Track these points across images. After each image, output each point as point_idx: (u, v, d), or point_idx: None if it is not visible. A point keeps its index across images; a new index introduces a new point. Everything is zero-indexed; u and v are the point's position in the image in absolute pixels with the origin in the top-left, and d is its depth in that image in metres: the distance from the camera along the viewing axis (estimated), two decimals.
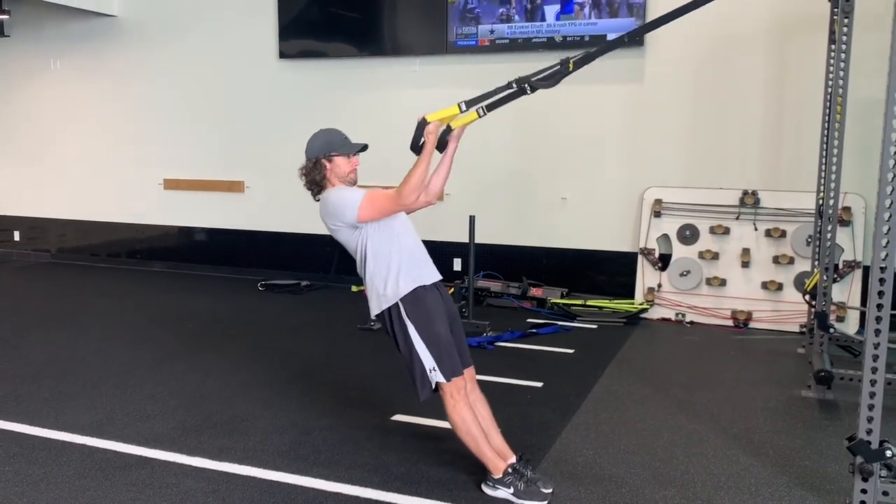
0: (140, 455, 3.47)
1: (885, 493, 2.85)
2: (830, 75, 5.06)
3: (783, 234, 5.95)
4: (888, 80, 2.76)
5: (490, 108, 3.12)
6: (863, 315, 5.63)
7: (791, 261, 5.93)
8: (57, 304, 6.81)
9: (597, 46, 3.90)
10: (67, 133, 8.67)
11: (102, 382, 4.50)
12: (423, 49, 6.99)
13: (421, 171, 2.97)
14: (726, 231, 6.10)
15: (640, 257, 6.34)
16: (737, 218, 6.08)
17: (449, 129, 3.14)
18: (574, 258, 6.64)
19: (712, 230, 6.13)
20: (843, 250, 5.76)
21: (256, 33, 7.58)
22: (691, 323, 6.10)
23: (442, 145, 3.13)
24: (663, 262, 6.27)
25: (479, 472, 3.22)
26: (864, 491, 2.87)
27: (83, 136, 8.59)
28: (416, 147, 3.03)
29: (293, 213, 7.77)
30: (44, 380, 4.54)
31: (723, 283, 6.09)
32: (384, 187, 3.09)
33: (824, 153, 5.10)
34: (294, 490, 3.15)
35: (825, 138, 5.11)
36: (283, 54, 7.50)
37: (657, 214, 6.28)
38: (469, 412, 3.07)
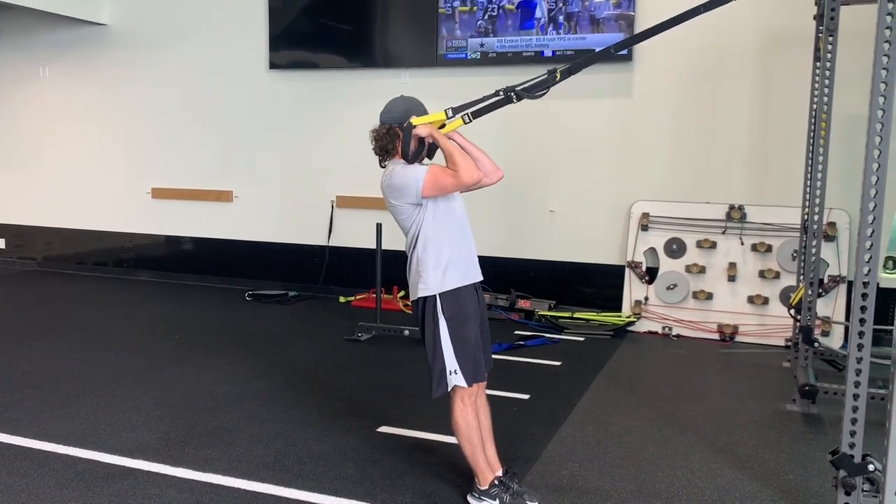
0: (123, 465, 3.45)
1: None
2: (815, 91, 5.12)
3: (769, 248, 6.00)
4: (871, 97, 2.79)
5: (476, 115, 3.12)
6: (847, 330, 5.68)
7: (777, 275, 5.97)
8: (42, 313, 6.76)
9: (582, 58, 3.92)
10: (55, 141, 8.64)
11: (87, 392, 4.47)
12: (412, 61, 7.01)
13: (457, 153, 2.93)
14: (713, 245, 6.13)
15: (627, 270, 6.37)
16: (723, 232, 6.12)
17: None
18: (562, 271, 6.65)
19: (699, 244, 6.16)
20: (828, 265, 5.80)
21: (247, 44, 7.59)
22: (678, 336, 6.13)
23: (431, 152, 3.13)
24: (650, 275, 6.29)
25: (465, 484, 3.22)
26: None
27: (71, 144, 8.56)
28: (408, 154, 3.01)
29: (281, 223, 7.78)
30: (27, 389, 4.50)
31: (709, 296, 6.12)
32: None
33: (809, 169, 5.16)
34: (278, 501, 3.13)
35: (810, 154, 5.16)
36: (273, 65, 7.50)
37: (644, 228, 6.31)
38: (475, 419, 3.05)
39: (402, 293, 7.02)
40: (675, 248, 6.24)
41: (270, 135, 7.63)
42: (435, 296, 2.99)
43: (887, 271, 6.01)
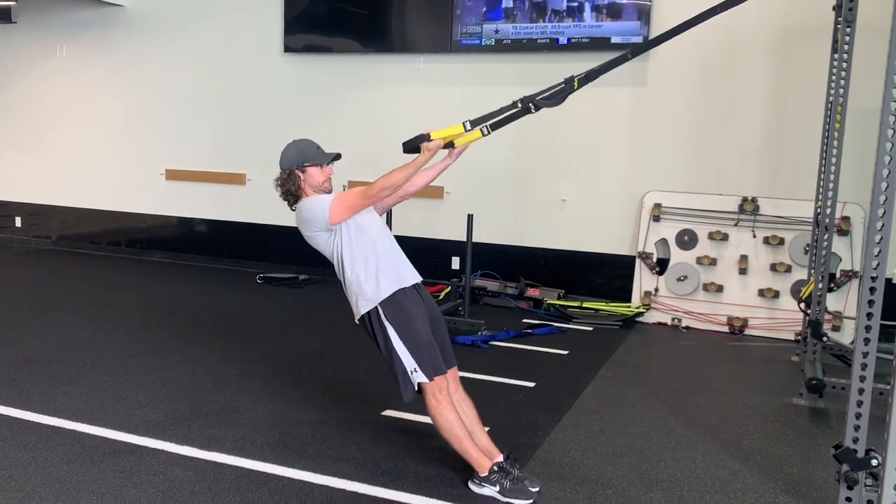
0: (129, 442, 3.48)
1: (870, 502, 2.85)
2: (832, 85, 5.06)
3: (781, 241, 5.95)
4: (884, 91, 2.76)
5: (494, 126, 3.15)
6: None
7: (788, 269, 5.93)
8: (55, 291, 6.82)
9: (601, 62, 3.90)
10: (71, 120, 8.69)
11: (95, 369, 4.51)
12: (427, 47, 6.99)
13: (402, 176, 3.03)
14: (725, 237, 6.09)
15: (637, 261, 6.34)
16: (735, 224, 6.08)
17: (451, 145, 3.16)
18: (572, 260, 6.64)
19: (711, 236, 6.13)
20: (840, 260, 5.76)
21: (262, 26, 7.59)
22: (687, 328, 6.10)
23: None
24: (661, 266, 6.27)
25: (467, 469, 3.22)
26: (848, 500, 2.87)
27: (87, 124, 8.61)
28: (408, 146, 3.06)
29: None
30: (36, 365, 4.55)
31: (720, 289, 6.09)
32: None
33: (823, 162, 5.11)
34: (281, 482, 3.16)
35: (825, 147, 5.11)
36: (287, 48, 7.51)
37: (656, 219, 6.28)
38: (452, 412, 3.08)
39: None
40: (687, 240, 6.21)
41: (284, 118, 7.64)
42: (376, 307, 3.06)
43: None
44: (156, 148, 8.30)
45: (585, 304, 6.20)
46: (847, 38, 4.24)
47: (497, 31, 6.68)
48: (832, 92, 5.04)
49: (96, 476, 3.13)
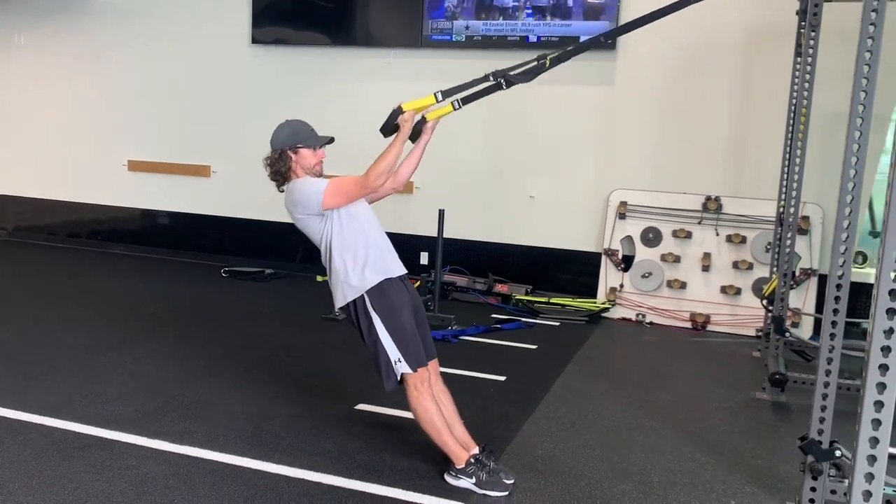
0: (99, 436, 3.43)
1: (833, 492, 2.95)
2: (795, 87, 5.20)
3: (743, 240, 6.09)
4: (852, 94, 2.85)
5: (465, 101, 3.16)
6: (817, 321, 5.80)
7: (750, 266, 6.07)
8: (13, 284, 6.67)
9: (571, 46, 3.95)
10: (30, 109, 8.49)
11: (62, 364, 4.43)
12: (397, 42, 6.99)
13: (392, 156, 3.01)
14: (688, 235, 6.22)
15: (603, 258, 6.44)
16: (699, 223, 6.21)
17: (423, 120, 3.18)
18: (539, 256, 6.71)
19: (675, 234, 6.24)
20: (800, 258, 5.91)
21: (229, 18, 7.51)
22: (651, 324, 6.22)
23: (415, 135, 3.16)
24: (626, 263, 6.37)
25: (442, 461, 3.25)
26: (813, 489, 2.96)
27: (46, 113, 8.41)
28: (387, 129, 3.06)
29: (259, 200, 7.64)
30: (1, 359, 4.45)
31: (683, 285, 6.21)
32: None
33: (786, 162, 5.24)
34: (256, 475, 3.15)
35: (787, 148, 5.25)
36: (255, 40, 7.43)
37: (622, 216, 6.38)
38: (433, 404, 3.11)
39: None
40: (652, 237, 6.32)
41: (251, 111, 7.56)
42: (362, 295, 3.06)
43: (857, 266, 6.15)
44: (117, 139, 8.15)
45: (553, 300, 6.27)
46: (812, 43, 4.36)
47: (468, 28, 6.71)
48: (795, 95, 5.19)
49: (67, 470, 3.09)
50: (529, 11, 6.50)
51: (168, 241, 8.09)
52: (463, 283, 6.68)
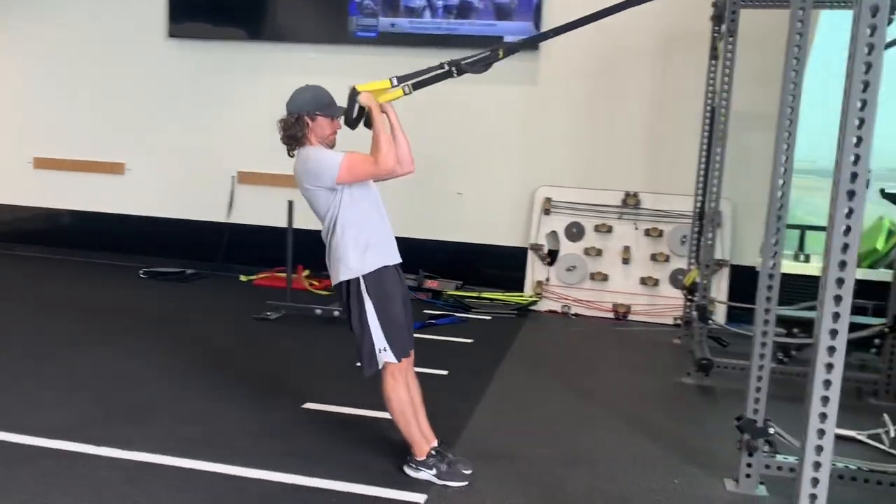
0: (43, 446, 3.30)
1: (767, 466, 3.20)
2: (711, 89, 5.52)
3: (661, 233, 6.41)
4: (781, 96, 3.08)
5: (416, 86, 3.19)
6: (730, 309, 6.18)
7: (667, 259, 6.39)
8: None
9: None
10: None
11: None
12: (321, 37, 6.95)
13: (384, 136, 3.02)
14: (609, 230, 6.48)
15: (530, 252, 6.63)
16: (619, 218, 6.48)
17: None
18: (468, 252, 6.83)
19: (597, 228, 6.50)
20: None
21: (145, 10, 7.26)
22: (576, 315, 6.45)
23: (368, 122, 3.17)
24: (551, 257, 6.58)
25: (399, 455, 3.32)
26: (749, 465, 3.20)
27: None
28: (350, 119, 3.06)
29: (177, 198, 7.52)
30: None
31: (605, 278, 6.47)
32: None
33: (703, 161, 5.55)
34: (216, 477, 3.12)
35: (702, 147, 5.55)
36: (172, 33, 7.22)
37: (547, 212, 6.58)
38: (406, 393, 3.16)
39: (306, 272, 6.98)
40: (575, 232, 6.55)
41: (167, 106, 7.36)
42: (358, 278, 3.08)
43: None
44: (23, 134, 7.74)
45: (483, 295, 6.41)
46: (730, 48, 4.64)
47: (393, 25, 6.75)
48: (710, 96, 5.51)
49: (16, 483, 2.97)
50: (440, 10, 6.59)
51: (80, 242, 7.74)
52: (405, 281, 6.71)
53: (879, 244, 6.28)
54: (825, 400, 2.14)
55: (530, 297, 6.46)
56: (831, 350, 2.11)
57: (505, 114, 6.69)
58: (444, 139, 6.81)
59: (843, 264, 2.07)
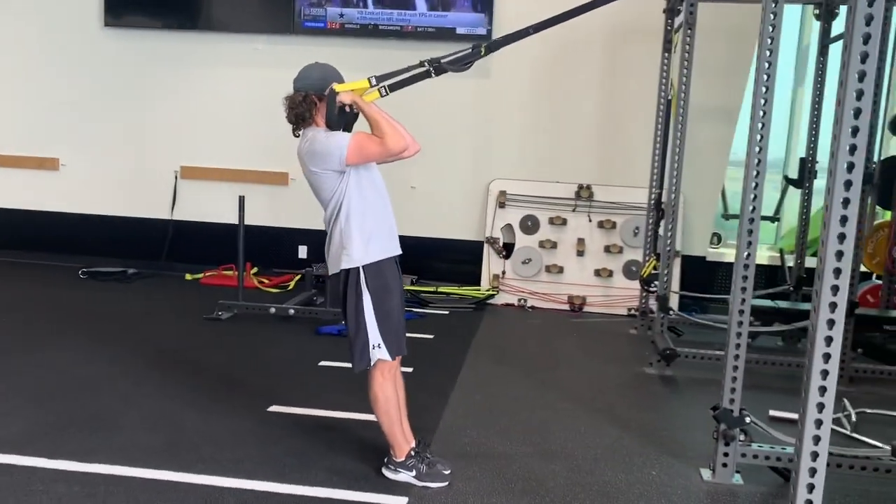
0: None
1: (743, 455, 3.22)
2: (663, 82, 5.57)
3: (614, 225, 6.45)
4: (754, 88, 3.10)
5: (392, 88, 3.11)
6: (681, 298, 6.27)
7: (620, 250, 6.44)
8: None
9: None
10: None
11: None
12: (267, 28, 6.74)
13: (383, 120, 2.92)
14: (564, 222, 6.49)
15: (485, 246, 6.59)
16: (573, 210, 6.50)
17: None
18: (424, 246, 6.73)
19: (551, 221, 6.50)
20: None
21: None
22: (532, 308, 6.45)
23: (350, 124, 3.07)
24: (507, 250, 6.56)
25: (375, 458, 3.23)
26: (725, 454, 3.22)
27: None
28: (332, 121, 2.95)
29: (116, 194, 7.19)
30: None
31: (560, 270, 6.49)
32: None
33: (657, 153, 5.61)
34: (185, 488, 2.96)
35: (657, 139, 5.61)
36: (108, 22, 6.89)
37: (502, 205, 6.55)
38: (393, 392, 3.07)
39: (255, 269, 6.80)
40: (530, 225, 6.54)
41: (104, 98, 7.02)
42: (358, 268, 2.96)
43: (713, 246, 6.70)
44: None
45: (440, 289, 6.34)
46: (688, 41, 4.68)
47: (342, 16, 6.59)
48: (663, 90, 5.56)
49: None
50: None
51: (12, 241, 7.31)
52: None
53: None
54: (824, 373, 2.16)
55: (487, 290, 6.43)
56: (830, 323, 2.12)
57: (459, 106, 6.62)
58: None
59: (841, 238, 2.08)
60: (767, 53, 3.05)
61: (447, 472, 3.13)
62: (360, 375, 3.07)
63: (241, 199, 5.57)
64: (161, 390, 4.03)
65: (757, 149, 3.11)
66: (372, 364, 3.01)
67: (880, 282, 5.48)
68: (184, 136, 7.02)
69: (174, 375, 4.28)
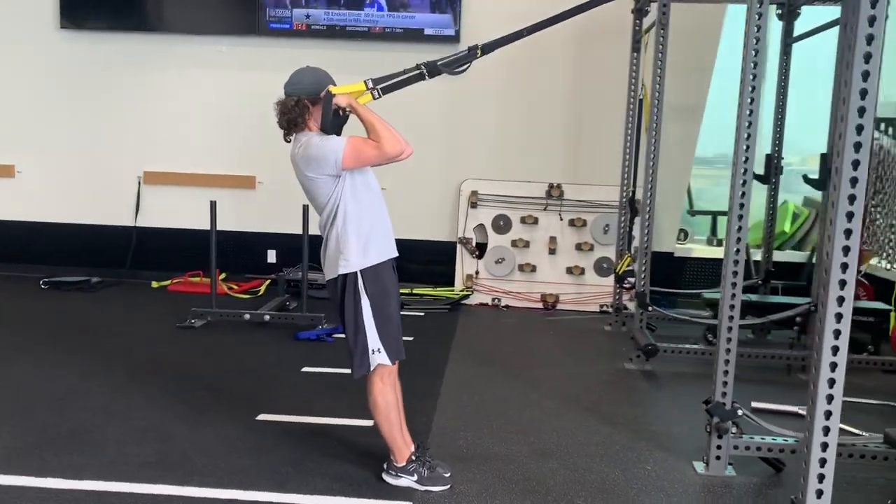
0: None
1: (735, 447, 3.29)
2: (634, 80, 5.64)
3: (584, 223, 6.52)
4: (741, 87, 3.17)
5: (385, 91, 3.09)
6: (651, 294, 6.34)
7: (591, 248, 6.51)
8: None
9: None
10: None
11: None
12: (231, 29, 6.62)
13: (378, 123, 2.89)
14: (535, 221, 6.54)
15: (458, 246, 6.59)
16: (544, 209, 6.55)
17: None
18: (398, 248, 6.70)
19: (523, 220, 6.54)
20: (634, 237, 6.43)
21: None
22: (506, 307, 6.48)
23: (339, 129, 3.05)
24: (480, 250, 6.57)
25: (372, 464, 3.21)
26: (719, 447, 3.29)
27: None
28: (329, 125, 2.92)
29: (77, 202, 6.99)
30: None
31: (533, 269, 6.53)
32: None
33: (628, 151, 5.68)
34: (183, 501, 2.89)
35: (628, 138, 5.69)
36: (64, 24, 6.68)
37: (474, 205, 6.56)
38: (393, 397, 3.05)
39: (223, 275, 6.67)
40: (502, 224, 6.57)
41: (62, 102, 6.81)
42: (356, 273, 2.93)
43: (679, 242, 6.82)
44: None
45: (415, 291, 6.32)
46: (661, 41, 4.75)
47: (308, 17, 6.52)
48: (633, 89, 5.63)
49: None
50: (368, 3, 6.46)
51: None
52: (321, 279, 6.51)
53: (786, 226, 6.64)
54: (833, 366, 2.21)
55: (461, 291, 6.43)
56: (838, 317, 2.18)
57: (429, 106, 6.59)
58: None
59: (847, 236, 2.13)
60: (753, 54, 3.12)
61: (448, 476, 3.12)
62: (346, 380, 3.05)
63: (213, 204, 5.45)
64: (143, 402, 3.93)
65: (744, 147, 3.18)
66: (371, 369, 2.98)
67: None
68: (146, 140, 6.86)
69: (154, 386, 4.17)
